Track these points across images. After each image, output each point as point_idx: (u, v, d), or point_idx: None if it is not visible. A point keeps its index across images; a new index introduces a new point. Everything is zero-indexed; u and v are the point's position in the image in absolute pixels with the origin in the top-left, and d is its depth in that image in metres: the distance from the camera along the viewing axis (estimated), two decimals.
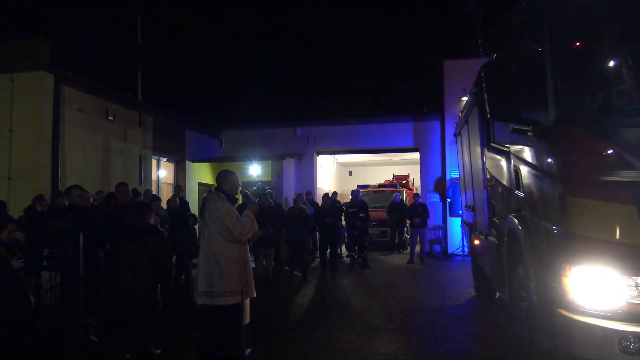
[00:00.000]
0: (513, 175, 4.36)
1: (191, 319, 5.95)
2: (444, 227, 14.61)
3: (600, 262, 3.01)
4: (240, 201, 5.97)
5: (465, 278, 9.61)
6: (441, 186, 14.84)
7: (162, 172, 14.54)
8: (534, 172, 3.77)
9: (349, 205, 12.21)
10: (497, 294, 6.71)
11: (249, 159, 15.41)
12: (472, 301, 7.97)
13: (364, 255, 11.82)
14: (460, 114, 9.40)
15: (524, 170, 4.02)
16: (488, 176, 5.88)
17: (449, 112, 13.99)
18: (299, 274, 10.07)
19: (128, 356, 5.05)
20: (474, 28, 15.39)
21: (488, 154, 5.74)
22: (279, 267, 10.99)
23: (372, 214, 12.90)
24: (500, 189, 5.23)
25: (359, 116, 18.52)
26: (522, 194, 4.10)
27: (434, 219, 14.31)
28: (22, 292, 5.00)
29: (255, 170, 15.36)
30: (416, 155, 16.55)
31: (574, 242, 3.12)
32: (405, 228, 14.55)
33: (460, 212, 10.88)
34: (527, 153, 3.92)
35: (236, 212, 4.51)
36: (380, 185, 17.84)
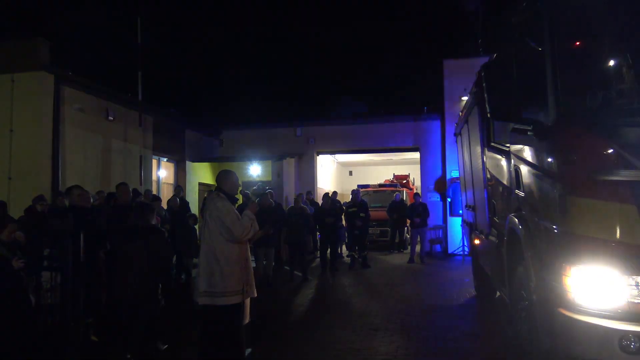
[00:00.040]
0: (513, 175, 4.36)
1: (191, 318, 5.96)
2: (444, 227, 14.61)
3: (601, 262, 3.01)
4: (240, 201, 5.96)
5: (465, 278, 9.61)
6: (441, 186, 14.85)
7: (163, 172, 14.54)
8: (534, 171, 3.77)
9: (349, 205, 12.21)
10: (498, 293, 6.71)
11: (249, 159, 15.40)
12: (472, 301, 7.97)
13: (364, 255, 11.82)
14: (460, 113, 9.40)
15: (524, 169, 4.02)
16: (488, 176, 5.88)
17: (449, 112, 13.99)
18: (299, 274, 10.07)
19: (128, 356, 5.05)
20: (474, 28, 15.39)
21: (488, 153, 5.74)
22: (279, 266, 10.99)
23: (373, 213, 12.89)
24: (500, 189, 5.23)
25: (359, 116, 18.50)
26: (522, 194, 4.10)
27: (434, 219, 14.32)
28: (23, 292, 5.00)
29: (255, 170, 15.35)
30: (416, 155, 16.55)
31: (575, 241, 3.12)
32: (406, 228, 14.55)
33: (461, 211, 10.88)
34: (528, 152, 3.92)
35: (236, 212, 4.51)
36: (380, 185, 17.84)
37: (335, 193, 13.53)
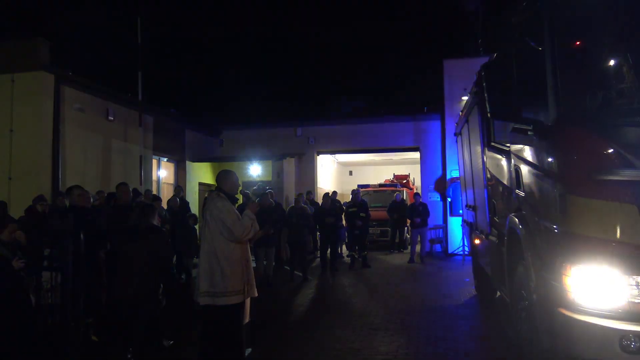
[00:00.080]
0: (513, 175, 4.37)
1: (191, 318, 5.96)
2: (444, 227, 14.61)
3: (601, 261, 3.01)
4: (240, 201, 5.96)
5: (465, 277, 9.61)
6: (441, 186, 14.85)
7: (163, 172, 14.55)
8: (535, 171, 3.77)
9: (349, 204, 12.21)
10: (498, 293, 6.71)
11: (249, 158, 15.41)
12: (472, 301, 7.97)
13: (365, 254, 11.82)
14: (460, 113, 9.40)
15: (525, 169, 4.02)
16: (488, 175, 5.89)
17: (449, 112, 13.99)
18: (300, 274, 10.07)
19: (129, 356, 5.06)
20: (474, 28, 15.39)
21: (488, 153, 5.74)
22: (279, 266, 10.99)
23: (373, 213, 12.90)
24: (500, 188, 5.23)
25: (359, 116, 18.52)
26: (522, 193, 4.10)
27: (435, 219, 14.31)
28: (23, 292, 5.01)
29: (255, 170, 15.36)
30: (416, 155, 16.56)
31: (575, 241, 3.12)
32: (406, 228, 14.55)
33: (461, 211, 10.88)
34: (528, 152, 3.92)
35: (237, 212, 4.52)
36: (380, 185, 17.83)
37: (335, 193, 13.54)
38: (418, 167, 16.66)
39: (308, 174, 16.73)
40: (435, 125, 15.32)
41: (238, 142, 17.03)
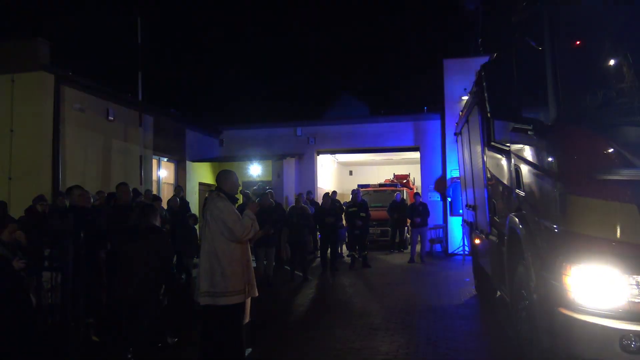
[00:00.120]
0: (513, 174, 4.36)
1: (191, 318, 5.96)
2: (444, 227, 14.61)
3: (601, 261, 3.01)
4: (240, 201, 5.97)
5: (465, 277, 9.61)
6: (442, 185, 14.84)
7: (163, 172, 14.54)
8: (535, 170, 3.77)
9: (349, 204, 12.21)
10: (498, 293, 6.71)
11: (249, 158, 15.41)
12: (472, 300, 7.97)
13: (365, 254, 11.82)
14: (460, 113, 9.40)
15: (525, 169, 4.02)
16: (489, 175, 5.89)
17: (449, 111, 13.98)
18: (300, 274, 10.07)
19: (129, 356, 5.06)
20: (475, 27, 15.39)
21: (488, 153, 5.74)
22: (279, 266, 10.99)
23: (373, 213, 12.90)
24: (500, 188, 5.23)
25: (359, 115, 18.50)
26: (522, 193, 4.10)
27: (435, 219, 14.31)
28: (23, 292, 5.00)
29: (255, 170, 15.36)
30: (417, 155, 16.55)
31: (575, 240, 3.12)
32: (406, 227, 14.55)
33: (461, 211, 10.88)
34: (528, 152, 3.92)
35: (237, 212, 4.52)
36: (380, 185, 17.83)
37: (334, 192, 13.54)
38: (418, 167, 16.65)
39: (308, 174, 16.72)
40: (435, 125, 15.32)
41: (238, 142, 17.03)
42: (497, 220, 5.57)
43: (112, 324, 5.80)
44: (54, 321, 6.06)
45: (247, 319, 4.68)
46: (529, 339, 3.83)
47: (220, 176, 4.70)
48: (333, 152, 18.66)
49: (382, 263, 12.57)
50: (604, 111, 3.21)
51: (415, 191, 16.18)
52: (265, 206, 9.26)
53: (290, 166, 15.99)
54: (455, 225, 13.80)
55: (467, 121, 7.60)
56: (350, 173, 23.65)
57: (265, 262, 9.57)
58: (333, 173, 21.21)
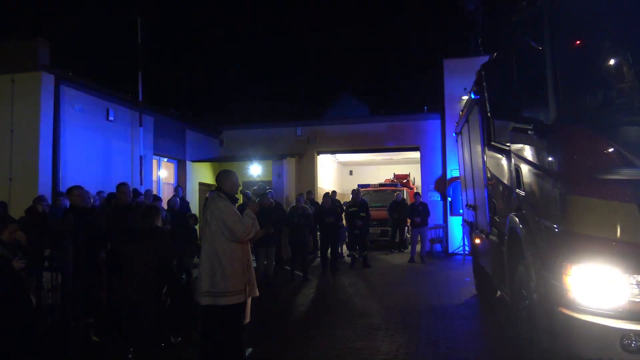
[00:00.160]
0: (514, 174, 4.36)
1: (192, 318, 5.95)
2: (444, 226, 14.61)
3: (601, 260, 3.01)
4: (240, 201, 5.97)
5: (466, 277, 9.61)
6: (442, 185, 14.85)
7: (163, 172, 14.54)
8: (535, 170, 3.77)
9: (349, 204, 12.21)
10: (498, 293, 6.71)
11: (250, 158, 15.41)
12: (473, 300, 7.97)
13: (365, 254, 11.82)
14: (460, 112, 9.40)
15: (525, 168, 4.02)
16: (489, 175, 5.88)
17: (450, 111, 13.99)
18: (300, 274, 10.07)
19: (129, 356, 5.06)
20: (475, 27, 15.38)
21: (489, 152, 5.74)
22: (279, 266, 10.99)
23: (373, 213, 12.90)
24: (501, 188, 5.22)
25: (359, 115, 18.51)
26: (522, 193, 4.10)
27: (435, 218, 14.31)
28: (24, 292, 5.00)
29: (255, 170, 15.35)
30: (417, 154, 16.55)
31: (575, 240, 3.12)
32: (406, 227, 14.55)
33: (461, 211, 10.88)
34: (528, 151, 3.92)
35: (237, 212, 4.52)
36: (380, 185, 17.82)
37: (334, 192, 13.54)
38: (418, 166, 16.65)
39: (308, 174, 16.72)
40: (435, 125, 15.32)
41: (238, 142, 17.03)
42: (497, 220, 5.57)
43: (112, 324, 5.80)
44: (54, 321, 6.06)
45: (247, 319, 4.68)
46: (529, 338, 3.83)
47: (220, 176, 4.69)
48: (333, 152, 18.66)
49: (382, 263, 12.57)
50: (604, 111, 3.21)
51: (415, 191, 16.18)
52: (265, 206, 9.26)
53: (290, 166, 15.99)
54: (456, 225, 13.80)
55: (467, 121, 7.60)
56: (351, 173, 23.65)
57: (265, 262, 9.57)
58: (333, 173, 21.20)
